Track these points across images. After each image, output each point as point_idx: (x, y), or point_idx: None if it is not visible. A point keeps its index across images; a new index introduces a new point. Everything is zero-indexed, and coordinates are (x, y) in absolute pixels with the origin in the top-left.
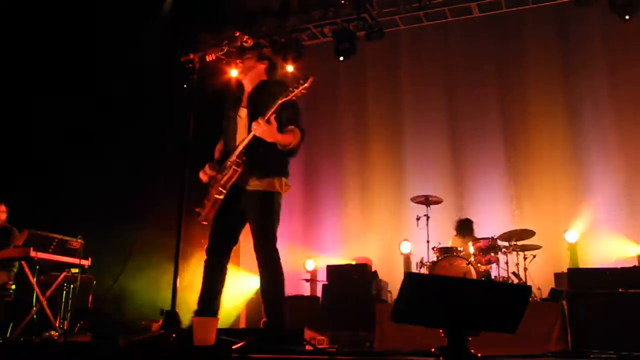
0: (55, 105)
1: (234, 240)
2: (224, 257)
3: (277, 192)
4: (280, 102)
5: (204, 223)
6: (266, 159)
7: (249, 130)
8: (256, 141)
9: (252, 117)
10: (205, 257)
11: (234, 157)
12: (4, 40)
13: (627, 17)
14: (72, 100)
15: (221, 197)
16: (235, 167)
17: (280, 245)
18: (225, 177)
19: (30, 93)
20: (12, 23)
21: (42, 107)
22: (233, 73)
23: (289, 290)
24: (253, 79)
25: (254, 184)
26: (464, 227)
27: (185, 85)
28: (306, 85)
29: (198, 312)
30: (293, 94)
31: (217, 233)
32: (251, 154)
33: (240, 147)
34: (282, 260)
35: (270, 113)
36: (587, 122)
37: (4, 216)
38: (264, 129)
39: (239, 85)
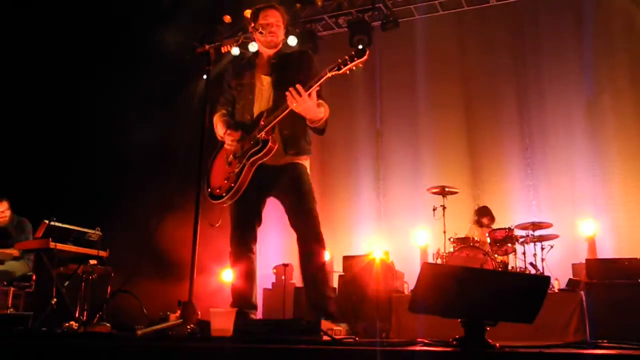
0: (71, 98)
1: (259, 220)
2: (251, 243)
3: (307, 169)
4: (330, 75)
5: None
6: (298, 134)
7: (275, 100)
8: (289, 114)
9: (278, 86)
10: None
11: (263, 133)
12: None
13: None
14: (86, 92)
15: (238, 169)
16: (271, 144)
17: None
18: (259, 154)
19: (46, 86)
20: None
21: (58, 100)
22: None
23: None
24: (277, 44)
25: (285, 159)
26: (484, 214)
27: (205, 76)
28: (364, 59)
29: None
30: (347, 67)
31: (242, 216)
32: (283, 128)
33: (275, 121)
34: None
35: (315, 86)
36: (606, 111)
37: (8, 213)
38: (306, 105)
39: (250, 54)
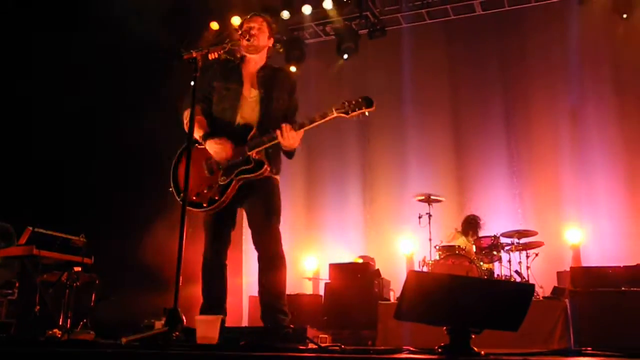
0: (56, 103)
1: (234, 225)
2: (225, 248)
3: (278, 185)
4: (336, 115)
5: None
6: (278, 154)
7: (261, 116)
8: (270, 124)
9: (265, 103)
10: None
11: (254, 152)
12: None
13: (624, 15)
14: (72, 98)
15: (225, 183)
16: (266, 167)
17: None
18: (252, 175)
19: (32, 91)
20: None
21: (43, 106)
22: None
23: (292, 288)
24: (262, 58)
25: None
26: (470, 225)
27: (192, 83)
28: (372, 109)
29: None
30: (354, 113)
31: (216, 224)
32: (268, 147)
33: (267, 145)
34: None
35: (309, 127)
36: (591, 120)
37: None
38: (294, 141)
39: (233, 58)
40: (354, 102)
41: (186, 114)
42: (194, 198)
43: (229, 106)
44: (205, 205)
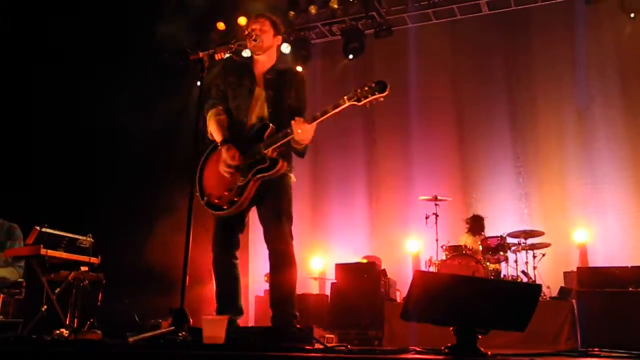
0: (62, 104)
1: (242, 227)
2: (234, 250)
3: (291, 184)
4: (348, 104)
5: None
6: (290, 152)
7: (271, 111)
8: (280, 123)
9: (273, 104)
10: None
11: (270, 150)
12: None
13: (632, 15)
14: (79, 98)
15: (243, 184)
16: (281, 164)
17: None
18: (268, 173)
19: (37, 92)
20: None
21: (50, 105)
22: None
23: (298, 288)
24: (270, 58)
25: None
26: (476, 224)
27: (198, 83)
28: (386, 93)
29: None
30: (367, 100)
31: (225, 222)
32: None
33: (281, 142)
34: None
35: (327, 116)
36: (597, 120)
37: None
38: (309, 134)
39: (241, 57)
40: (366, 89)
41: (209, 115)
42: (216, 201)
43: (242, 104)
44: (225, 207)
